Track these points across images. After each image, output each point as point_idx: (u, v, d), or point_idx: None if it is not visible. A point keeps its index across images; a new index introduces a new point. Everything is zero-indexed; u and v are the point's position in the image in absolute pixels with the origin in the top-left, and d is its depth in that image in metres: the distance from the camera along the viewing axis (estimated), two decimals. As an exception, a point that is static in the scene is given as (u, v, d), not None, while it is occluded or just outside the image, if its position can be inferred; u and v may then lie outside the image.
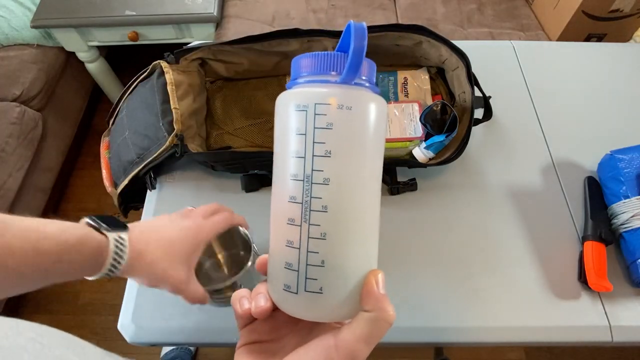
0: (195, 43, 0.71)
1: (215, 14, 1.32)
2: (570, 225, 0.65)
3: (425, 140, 0.66)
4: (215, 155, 0.65)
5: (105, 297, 1.33)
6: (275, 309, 0.27)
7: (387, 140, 0.67)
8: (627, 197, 0.61)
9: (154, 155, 0.61)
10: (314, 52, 0.24)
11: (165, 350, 1.21)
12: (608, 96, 0.79)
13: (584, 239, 0.62)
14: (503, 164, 0.71)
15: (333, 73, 0.24)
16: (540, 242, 0.63)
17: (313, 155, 0.23)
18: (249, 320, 0.28)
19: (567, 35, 1.29)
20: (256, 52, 0.70)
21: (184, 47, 0.69)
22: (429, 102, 0.72)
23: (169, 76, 0.65)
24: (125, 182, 0.63)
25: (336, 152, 0.23)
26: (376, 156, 0.25)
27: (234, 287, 0.49)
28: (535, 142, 0.73)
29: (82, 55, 1.46)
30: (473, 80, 0.66)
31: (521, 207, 0.66)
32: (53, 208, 1.46)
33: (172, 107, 0.63)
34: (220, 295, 0.49)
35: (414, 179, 0.67)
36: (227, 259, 0.59)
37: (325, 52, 0.24)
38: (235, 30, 1.34)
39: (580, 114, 0.77)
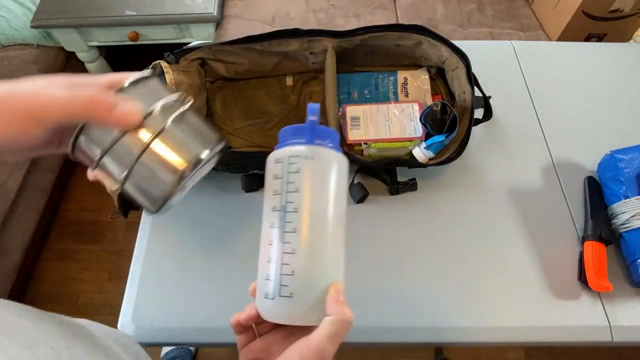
0: (195, 43, 0.71)
1: (215, 14, 1.32)
2: (570, 225, 0.65)
3: (425, 140, 0.66)
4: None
5: (105, 297, 1.33)
6: (267, 332, 0.35)
7: (388, 140, 0.67)
8: (627, 197, 0.61)
9: (154, 155, 0.61)
10: (291, 125, 0.33)
11: (165, 350, 1.22)
12: (608, 96, 0.79)
13: (584, 239, 0.62)
14: (503, 164, 0.71)
15: (302, 139, 0.32)
16: (540, 242, 0.63)
17: (287, 192, 0.31)
18: (247, 340, 0.35)
19: (567, 35, 1.29)
20: (256, 52, 0.70)
21: (184, 47, 0.69)
22: (429, 102, 0.72)
23: (169, 76, 0.64)
24: (125, 182, 0.63)
25: (303, 188, 0.31)
26: (337, 191, 0.32)
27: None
28: (535, 142, 0.73)
29: (82, 55, 1.46)
30: (473, 80, 0.66)
31: (521, 207, 0.66)
32: (53, 208, 1.46)
33: (172, 107, 0.62)
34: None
35: (414, 179, 0.67)
36: None
37: (297, 125, 0.32)
38: (235, 30, 1.34)
39: (580, 114, 0.77)
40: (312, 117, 0.32)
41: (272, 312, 0.32)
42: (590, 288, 0.58)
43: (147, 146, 0.30)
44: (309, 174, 0.31)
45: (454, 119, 0.63)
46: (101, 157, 0.30)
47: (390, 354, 1.22)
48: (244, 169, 0.65)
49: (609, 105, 0.78)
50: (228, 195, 0.67)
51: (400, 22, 1.38)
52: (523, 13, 1.41)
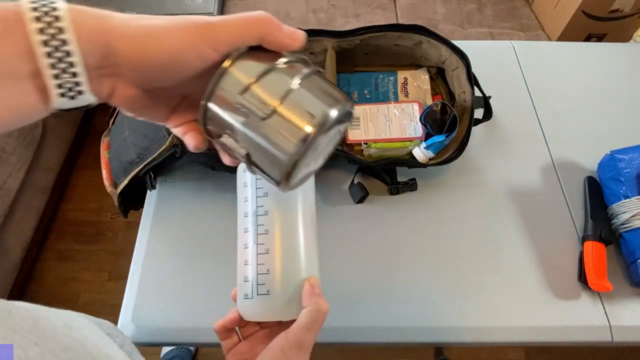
0: (195, 43, 0.71)
1: (215, 14, 1.32)
2: (570, 225, 0.65)
3: (425, 140, 0.66)
4: (216, 155, 0.65)
5: (105, 297, 1.33)
6: (251, 334, 0.37)
7: (387, 140, 0.67)
8: (627, 197, 0.61)
9: (154, 155, 0.61)
10: None
11: (165, 350, 1.21)
12: (608, 96, 0.79)
13: (584, 239, 0.62)
14: (503, 164, 0.71)
15: None
16: (540, 242, 0.63)
17: (256, 197, 0.34)
18: (232, 344, 0.37)
19: (567, 35, 1.29)
20: (256, 52, 0.70)
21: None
22: (429, 102, 0.72)
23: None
24: (125, 182, 0.63)
25: (270, 191, 0.33)
26: (304, 189, 0.34)
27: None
28: (535, 142, 0.73)
29: (82, 55, 1.45)
30: (473, 80, 0.66)
31: (521, 207, 0.66)
32: (53, 208, 1.46)
33: (172, 107, 0.62)
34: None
35: (414, 179, 0.67)
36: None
37: None
38: (235, 30, 1.34)
39: (580, 114, 0.77)
40: None
41: (253, 311, 0.34)
42: (590, 288, 0.58)
43: (303, 78, 0.27)
44: None
45: (454, 119, 0.63)
46: (251, 84, 0.26)
47: (390, 354, 1.22)
48: (244, 169, 0.65)
49: (609, 105, 0.78)
50: (228, 195, 0.67)
51: (400, 22, 1.37)
52: (523, 13, 1.41)
